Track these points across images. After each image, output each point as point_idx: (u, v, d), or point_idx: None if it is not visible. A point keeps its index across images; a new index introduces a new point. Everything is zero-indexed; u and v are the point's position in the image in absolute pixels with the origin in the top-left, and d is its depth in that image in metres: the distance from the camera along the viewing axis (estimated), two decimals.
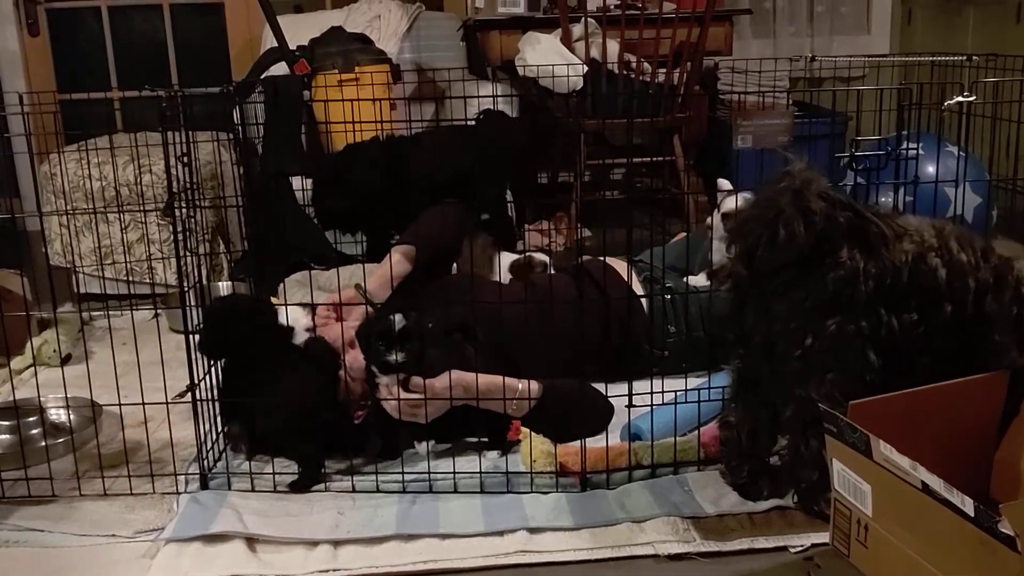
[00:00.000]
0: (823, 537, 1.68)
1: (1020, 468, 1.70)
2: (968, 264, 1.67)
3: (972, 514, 1.30)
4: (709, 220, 2.67)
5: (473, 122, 3.09)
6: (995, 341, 1.69)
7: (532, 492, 1.88)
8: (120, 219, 3.14)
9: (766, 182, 1.65)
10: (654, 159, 3.53)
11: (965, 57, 2.91)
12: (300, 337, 2.11)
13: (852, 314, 1.62)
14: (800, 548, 1.69)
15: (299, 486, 1.93)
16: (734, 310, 1.77)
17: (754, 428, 1.79)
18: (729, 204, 2.51)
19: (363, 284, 2.20)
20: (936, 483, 1.35)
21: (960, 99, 1.97)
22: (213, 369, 2.04)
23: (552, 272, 2.59)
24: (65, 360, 2.62)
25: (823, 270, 1.62)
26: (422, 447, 2.05)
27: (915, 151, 2.05)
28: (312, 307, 2.18)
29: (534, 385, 2.01)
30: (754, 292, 1.71)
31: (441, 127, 3.44)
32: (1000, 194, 2.62)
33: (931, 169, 2.62)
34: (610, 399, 2.01)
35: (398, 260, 2.29)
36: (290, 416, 1.96)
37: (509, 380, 1.99)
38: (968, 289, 1.67)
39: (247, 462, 2.04)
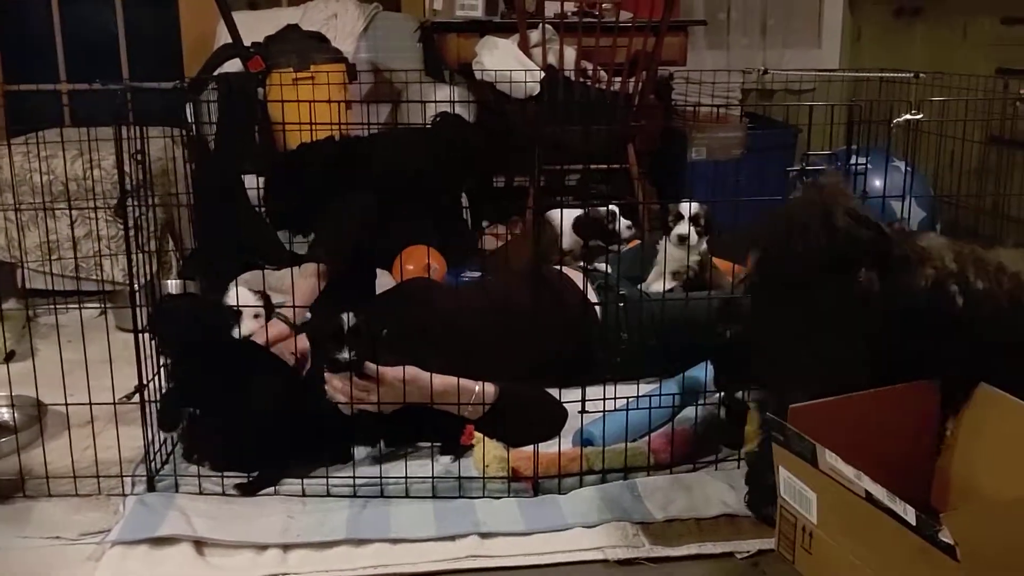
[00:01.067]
0: (769, 544, 1.71)
1: (960, 477, 1.75)
2: (984, 292, 1.66)
3: (914, 523, 1.33)
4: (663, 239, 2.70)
5: (429, 124, 3.09)
6: (1004, 369, 1.68)
7: (484, 497, 1.89)
8: (69, 215, 3.08)
9: (797, 192, 1.66)
10: (609, 167, 3.55)
11: (913, 74, 2.98)
12: (248, 322, 2.10)
13: (854, 334, 1.62)
14: (747, 554, 1.72)
15: (249, 489, 1.92)
16: (748, 316, 1.78)
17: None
18: (683, 228, 2.54)
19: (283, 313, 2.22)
20: (879, 492, 1.39)
21: (908, 117, 2.02)
22: (162, 370, 2.01)
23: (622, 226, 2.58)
24: (9, 357, 2.57)
25: (837, 287, 1.62)
26: (369, 449, 2.04)
27: (864, 166, 2.09)
28: (263, 293, 2.19)
29: (489, 388, 2.02)
30: (765, 300, 1.72)
31: (398, 128, 3.43)
32: (944, 208, 2.69)
33: (878, 183, 2.68)
34: (563, 404, 2.03)
35: (310, 280, 2.32)
36: (255, 418, 1.95)
37: (465, 382, 1.99)
38: (984, 319, 1.66)
39: (195, 465, 2.01)
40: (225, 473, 1.93)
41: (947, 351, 1.66)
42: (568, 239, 2.66)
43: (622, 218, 2.65)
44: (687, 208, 2.58)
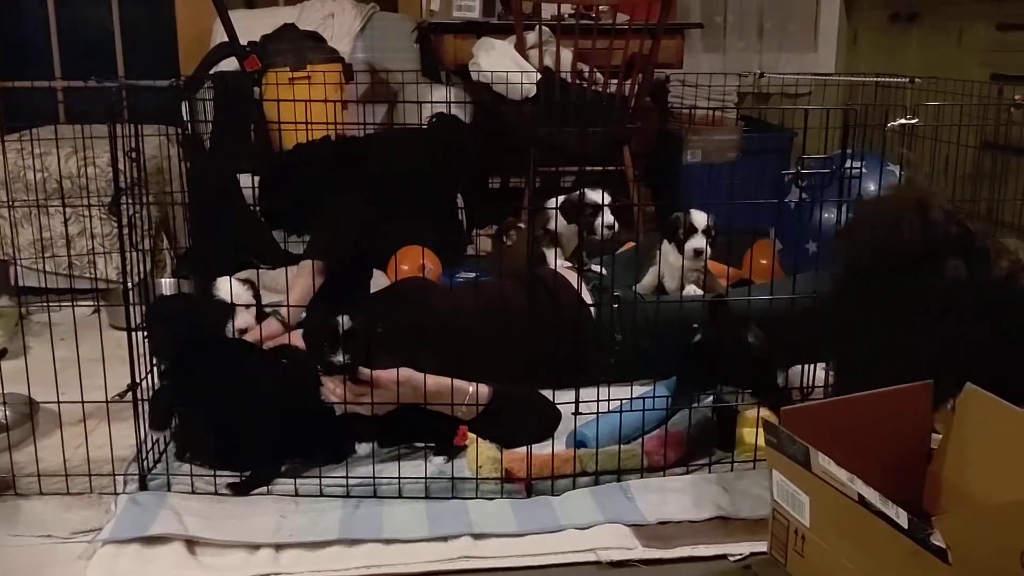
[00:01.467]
0: (762, 546, 1.71)
1: (951, 481, 1.75)
2: None
3: (906, 526, 1.34)
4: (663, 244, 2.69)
5: (425, 125, 3.09)
6: None
7: (477, 498, 1.89)
8: (62, 212, 3.07)
9: (886, 190, 1.76)
10: (605, 168, 3.56)
11: (908, 79, 2.99)
12: (240, 316, 2.09)
13: (941, 321, 1.74)
14: (739, 556, 1.72)
15: (242, 489, 1.91)
16: (835, 304, 1.89)
17: None
18: (699, 242, 2.54)
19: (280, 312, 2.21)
20: (872, 495, 1.39)
21: (903, 121, 2.02)
22: (155, 369, 2.01)
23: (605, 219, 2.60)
24: (1, 354, 2.56)
25: (927, 277, 1.75)
26: (363, 448, 2.04)
27: (858, 170, 2.10)
28: (254, 284, 2.18)
29: (484, 388, 2.02)
30: (857, 287, 1.82)
31: (394, 128, 3.43)
32: None
33: (873, 187, 2.69)
34: (557, 406, 2.03)
35: (306, 279, 2.32)
36: (248, 418, 1.94)
37: (459, 382, 1.99)
38: None
39: (187, 464, 2.01)
40: (218, 472, 1.93)
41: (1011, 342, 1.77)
42: (560, 225, 2.64)
43: (608, 213, 2.62)
44: (699, 219, 2.57)
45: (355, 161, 3.03)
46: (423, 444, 2.06)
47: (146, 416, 1.95)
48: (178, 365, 2.01)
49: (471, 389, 2.00)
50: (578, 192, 2.63)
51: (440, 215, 3.39)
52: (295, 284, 2.33)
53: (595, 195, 2.61)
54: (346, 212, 2.50)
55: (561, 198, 2.69)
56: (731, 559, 1.72)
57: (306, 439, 2.01)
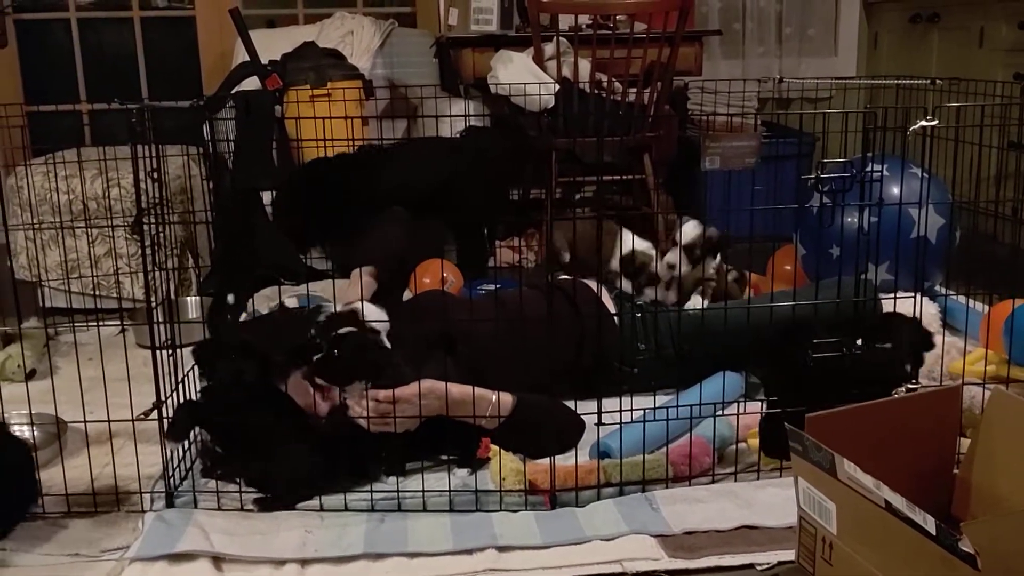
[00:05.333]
0: (789, 555, 1.70)
1: (980, 486, 1.72)
2: None
3: (934, 532, 1.32)
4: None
5: (458, 135, 3.10)
6: None
7: (501, 510, 1.88)
8: (87, 233, 3.11)
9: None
10: (624, 177, 3.55)
11: (929, 81, 2.96)
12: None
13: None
14: (766, 566, 1.70)
15: (268, 505, 1.92)
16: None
17: None
18: (673, 257, 2.54)
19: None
20: (899, 502, 1.37)
21: (924, 123, 2.00)
22: (180, 387, 2.02)
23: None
24: (29, 375, 2.59)
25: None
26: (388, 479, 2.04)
27: (880, 173, 2.08)
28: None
29: (507, 397, 2.02)
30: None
31: (414, 140, 3.44)
32: (963, 215, 2.67)
33: (895, 191, 2.67)
34: (580, 416, 2.03)
35: (368, 281, 2.30)
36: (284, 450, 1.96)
37: (481, 390, 1.99)
38: None
39: (213, 480, 2.02)
40: (244, 489, 1.94)
41: None
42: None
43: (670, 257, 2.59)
44: (687, 231, 2.57)
45: (374, 175, 3.05)
46: (447, 457, 2.06)
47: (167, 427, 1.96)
48: (225, 383, 2.02)
49: (493, 398, 2.00)
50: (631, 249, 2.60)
51: (464, 227, 3.40)
52: (347, 293, 2.32)
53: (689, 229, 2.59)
54: (394, 223, 2.51)
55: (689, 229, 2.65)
56: (758, 568, 1.70)
57: (339, 462, 2.01)
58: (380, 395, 1.93)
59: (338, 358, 1.94)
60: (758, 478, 1.99)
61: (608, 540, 1.77)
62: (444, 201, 3.06)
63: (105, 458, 2.04)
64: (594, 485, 1.93)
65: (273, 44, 3.70)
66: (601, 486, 1.93)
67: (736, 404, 2.18)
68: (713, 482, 1.99)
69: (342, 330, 1.97)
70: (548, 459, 1.93)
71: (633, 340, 2.40)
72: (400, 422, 1.93)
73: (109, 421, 1.93)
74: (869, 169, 1.97)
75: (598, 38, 3.37)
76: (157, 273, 1.94)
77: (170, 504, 1.93)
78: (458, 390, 1.96)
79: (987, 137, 2.19)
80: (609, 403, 1.91)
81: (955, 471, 1.77)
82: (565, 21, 3.51)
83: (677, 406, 2.10)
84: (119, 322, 3.02)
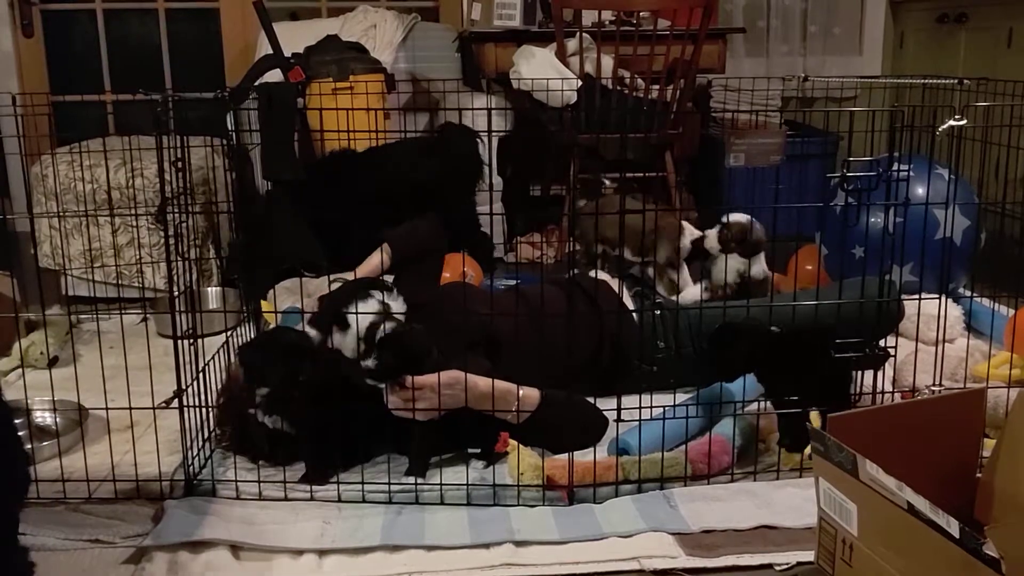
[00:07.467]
0: (808, 555, 1.68)
1: (1004, 489, 1.71)
2: None
3: (957, 535, 1.31)
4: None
5: (435, 133, 3.11)
6: None
7: (519, 505, 1.88)
8: (111, 222, 3.13)
9: None
10: (646, 175, 3.54)
11: (956, 81, 2.93)
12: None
13: None
14: (785, 566, 1.69)
15: (312, 478, 1.95)
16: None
17: None
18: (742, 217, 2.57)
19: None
20: (922, 504, 1.36)
21: (952, 123, 1.98)
22: (201, 375, 2.03)
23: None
24: (52, 362, 2.61)
25: None
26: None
27: (906, 173, 2.06)
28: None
29: (533, 392, 2.01)
30: None
31: (403, 140, 3.45)
32: (989, 217, 2.64)
33: (921, 191, 2.65)
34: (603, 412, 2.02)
35: (375, 257, 2.40)
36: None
37: (507, 384, 1.99)
38: None
39: (234, 469, 2.03)
40: (262, 479, 1.95)
41: None
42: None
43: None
44: (734, 220, 2.60)
45: (364, 172, 3.06)
46: (467, 450, 2.06)
47: (192, 422, 1.97)
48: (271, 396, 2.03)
49: (520, 392, 2.00)
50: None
51: (453, 225, 3.40)
52: (367, 261, 2.41)
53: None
54: (428, 220, 2.57)
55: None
56: (777, 568, 1.69)
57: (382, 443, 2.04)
58: (405, 381, 1.93)
59: (389, 366, 1.94)
60: (777, 478, 1.98)
61: (625, 537, 1.76)
62: (421, 199, 3.07)
63: (126, 445, 2.06)
64: (612, 482, 1.92)
65: (296, 37, 3.70)
66: (619, 483, 1.93)
67: (756, 403, 2.17)
68: (732, 481, 1.98)
69: (386, 329, 1.96)
70: (566, 455, 1.93)
71: (653, 338, 2.39)
72: (422, 407, 1.93)
73: (131, 409, 1.95)
74: (895, 168, 1.95)
75: (621, 34, 3.36)
76: (179, 263, 1.94)
77: (189, 492, 1.94)
78: (484, 382, 1.96)
79: (1016, 138, 2.16)
80: (628, 400, 1.90)
81: (978, 474, 1.75)
82: (588, 17, 3.51)
83: (697, 404, 2.10)
84: (141, 311, 3.03)
